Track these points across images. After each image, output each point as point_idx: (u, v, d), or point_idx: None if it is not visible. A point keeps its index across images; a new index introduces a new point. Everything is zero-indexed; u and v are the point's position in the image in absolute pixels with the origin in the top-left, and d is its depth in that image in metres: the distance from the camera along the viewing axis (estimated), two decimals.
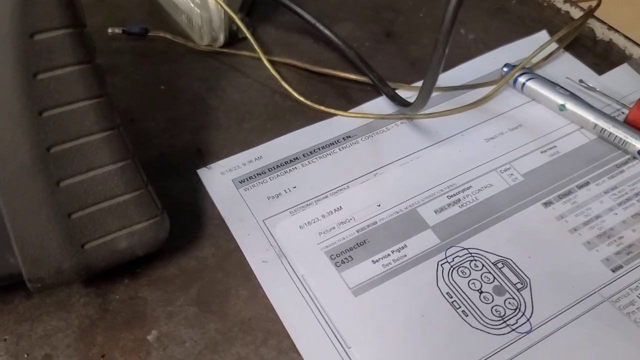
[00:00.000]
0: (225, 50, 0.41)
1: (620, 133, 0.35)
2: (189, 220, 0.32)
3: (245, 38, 0.38)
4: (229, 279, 0.30)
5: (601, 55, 0.42)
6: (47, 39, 0.23)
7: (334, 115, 0.37)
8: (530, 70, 0.39)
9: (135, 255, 0.28)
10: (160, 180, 0.33)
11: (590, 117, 0.36)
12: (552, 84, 0.38)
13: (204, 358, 0.27)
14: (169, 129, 0.36)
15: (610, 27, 0.42)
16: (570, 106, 0.36)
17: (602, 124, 0.35)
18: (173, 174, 0.34)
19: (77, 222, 0.25)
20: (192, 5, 0.39)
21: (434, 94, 0.38)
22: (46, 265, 0.25)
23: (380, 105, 0.38)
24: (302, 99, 0.36)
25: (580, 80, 0.39)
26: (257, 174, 0.34)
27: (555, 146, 0.36)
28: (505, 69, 0.39)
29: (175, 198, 0.33)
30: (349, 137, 0.36)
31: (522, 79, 0.38)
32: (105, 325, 0.28)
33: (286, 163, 0.35)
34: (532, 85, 0.38)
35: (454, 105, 0.37)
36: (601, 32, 0.42)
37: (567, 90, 0.37)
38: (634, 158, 0.35)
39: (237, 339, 0.28)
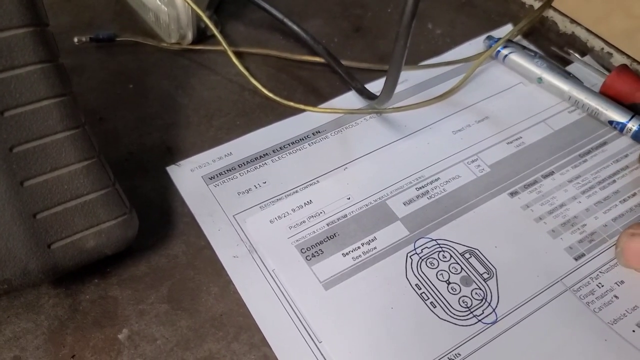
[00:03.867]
0: (194, 47, 0.41)
1: (593, 102, 0.37)
2: (159, 218, 0.32)
3: (214, 35, 0.38)
4: (200, 276, 0.30)
5: (564, 48, 0.43)
6: (6, 37, 0.23)
7: (303, 110, 0.37)
8: (511, 44, 0.40)
9: (104, 255, 0.27)
10: (130, 179, 0.33)
11: (566, 87, 0.38)
12: (531, 56, 0.39)
13: (176, 355, 0.27)
14: (138, 128, 0.36)
15: (573, 21, 0.43)
16: (549, 76, 0.38)
17: (577, 94, 0.37)
18: (142, 173, 0.34)
19: (43, 222, 0.25)
20: (159, 3, 0.39)
21: (404, 87, 0.39)
22: (12, 266, 0.25)
23: (349, 100, 0.38)
24: (271, 95, 0.37)
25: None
26: (227, 170, 0.34)
27: (521, 137, 0.36)
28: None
29: (145, 196, 0.33)
30: (319, 132, 0.36)
31: (504, 52, 0.40)
32: (75, 326, 0.28)
33: (256, 159, 0.35)
34: (515, 58, 0.40)
35: (422, 99, 0.38)
36: (564, 25, 0.43)
37: (544, 62, 0.39)
38: (603, 144, 0.36)
39: (209, 335, 0.28)
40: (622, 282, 0.30)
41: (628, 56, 0.40)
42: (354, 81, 0.38)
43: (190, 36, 0.40)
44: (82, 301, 0.29)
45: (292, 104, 0.36)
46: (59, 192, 0.25)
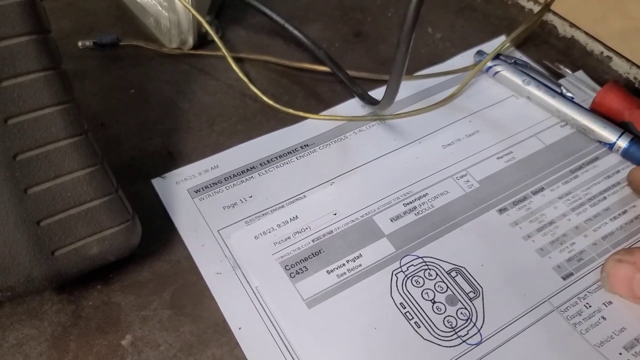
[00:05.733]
0: (195, 52, 0.41)
1: (582, 120, 0.36)
2: (161, 224, 0.32)
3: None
4: (202, 281, 0.30)
5: (564, 52, 0.43)
6: (9, 45, 0.23)
7: (303, 117, 0.37)
8: (503, 59, 0.40)
9: (107, 261, 0.28)
10: (132, 185, 0.33)
11: (554, 106, 0.37)
12: (520, 72, 0.39)
13: None
14: (140, 133, 0.36)
15: (572, 24, 0.43)
16: (537, 93, 0.38)
17: (565, 112, 0.37)
18: (145, 178, 0.34)
19: (46, 229, 0.25)
20: (160, 8, 0.39)
21: (406, 95, 0.39)
22: (16, 273, 0.25)
23: (350, 108, 0.38)
24: (270, 102, 0.37)
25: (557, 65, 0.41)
26: (213, 184, 0.33)
27: (512, 152, 0.36)
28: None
29: (147, 202, 0.33)
30: (307, 145, 0.36)
31: (495, 68, 0.40)
32: (78, 332, 0.28)
33: (243, 172, 0.34)
34: (504, 74, 0.40)
35: (423, 106, 0.38)
36: (563, 29, 0.43)
37: (533, 79, 0.39)
38: (595, 159, 0.36)
39: (212, 341, 0.28)
40: (610, 302, 0.29)
41: (627, 60, 0.41)
42: (355, 86, 0.38)
43: (191, 41, 0.40)
44: (85, 307, 0.29)
45: (291, 111, 0.36)
46: (63, 199, 0.25)
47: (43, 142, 0.25)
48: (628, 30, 0.40)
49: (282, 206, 0.33)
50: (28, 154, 0.24)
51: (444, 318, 0.29)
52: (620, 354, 0.28)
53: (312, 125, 0.37)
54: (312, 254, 0.31)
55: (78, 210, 0.26)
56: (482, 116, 0.38)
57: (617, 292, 0.29)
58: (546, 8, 0.42)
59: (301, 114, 0.36)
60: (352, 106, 0.38)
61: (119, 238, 0.27)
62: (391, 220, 0.32)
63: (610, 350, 0.28)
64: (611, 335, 0.28)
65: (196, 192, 0.33)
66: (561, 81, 0.40)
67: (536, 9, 0.45)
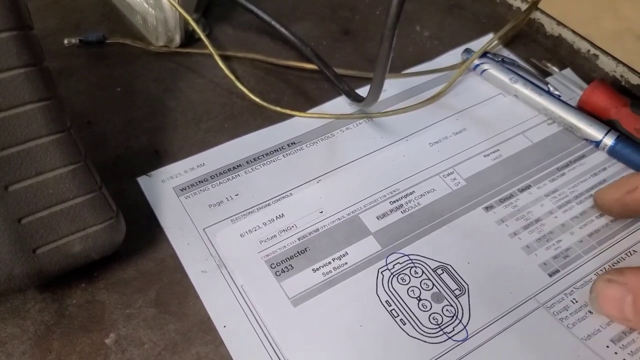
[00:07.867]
0: (182, 50, 0.41)
1: (568, 118, 0.36)
2: (147, 222, 0.32)
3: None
4: (188, 280, 0.30)
5: (551, 50, 0.43)
6: None
7: (290, 115, 0.37)
8: (490, 57, 0.40)
9: (91, 259, 0.27)
10: (118, 183, 0.33)
11: (541, 105, 0.38)
12: (507, 70, 0.39)
13: (164, 359, 0.27)
14: (126, 131, 0.36)
15: (560, 23, 0.43)
16: (524, 91, 0.38)
17: (552, 111, 0.37)
18: (130, 176, 0.34)
19: (28, 227, 0.25)
20: (147, 6, 0.39)
21: (386, 96, 0.39)
22: None
23: (337, 105, 0.38)
24: (257, 100, 0.36)
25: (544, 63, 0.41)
26: (199, 182, 0.33)
27: (499, 150, 0.36)
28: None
29: (133, 200, 0.32)
30: (293, 143, 0.36)
31: (482, 66, 0.40)
32: (61, 331, 0.28)
33: (229, 170, 0.34)
34: (491, 72, 0.40)
35: (410, 104, 0.38)
36: (550, 27, 0.44)
37: (520, 78, 0.39)
38: (581, 157, 0.36)
39: (197, 339, 0.28)
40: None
41: (614, 58, 0.41)
42: (341, 84, 0.38)
43: (178, 39, 0.40)
44: (69, 306, 0.28)
45: (279, 108, 0.36)
46: (45, 197, 0.25)
47: (24, 139, 0.24)
48: (620, 30, 0.40)
49: (268, 204, 0.33)
50: (9, 151, 0.24)
51: (430, 315, 0.29)
52: (607, 346, 0.28)
53: (299, 123, 0.37)
54: (298, 252, 0.31)
55: (60, 208, 0.26)
56: (469, 114, 0.38)
57: (605, 313, 0.28)
58: (534, 6, 0.42)
59: (288, 111, 0.36)
60: (340, 104, 0.38)
61: (103, 236, 0.27)
62: (377, 219, 0.32)
63: (598, 343, 0.28)
64: (598, 329, 0.28)
65: (182, 190, 0.33)
66: (548, 79, 0.40)
67: (524, 7, 0.45)
